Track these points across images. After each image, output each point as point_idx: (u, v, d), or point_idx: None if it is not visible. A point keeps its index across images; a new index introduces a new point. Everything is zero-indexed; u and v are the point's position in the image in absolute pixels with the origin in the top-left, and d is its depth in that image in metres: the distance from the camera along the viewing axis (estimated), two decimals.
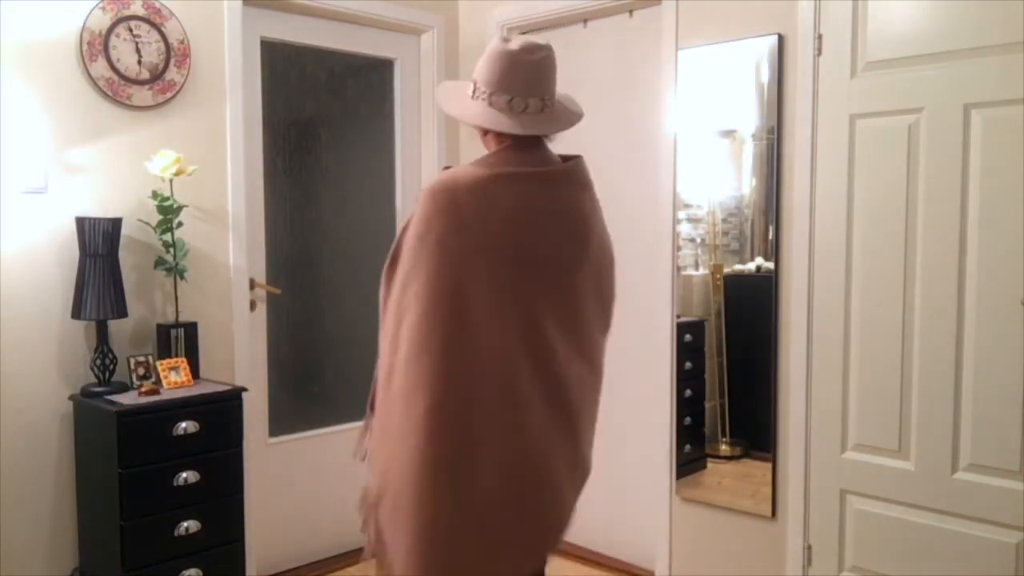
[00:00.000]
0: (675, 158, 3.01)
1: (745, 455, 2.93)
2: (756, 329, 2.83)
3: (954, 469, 2.43)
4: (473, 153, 3.39)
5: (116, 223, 2.58)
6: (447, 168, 1.71)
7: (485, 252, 1.58)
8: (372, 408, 1.71)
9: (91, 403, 2.53)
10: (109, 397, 2.53)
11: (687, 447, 3.06)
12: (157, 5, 2.77)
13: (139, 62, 2.73)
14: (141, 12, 2.73)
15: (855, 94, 2.57)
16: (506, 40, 1.70)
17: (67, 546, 2.65)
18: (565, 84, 3.49)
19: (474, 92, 1.71)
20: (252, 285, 3.18)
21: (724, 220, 2.93)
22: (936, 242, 2.43)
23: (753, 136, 2.83)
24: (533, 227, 1.63)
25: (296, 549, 3.37)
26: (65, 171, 2.62)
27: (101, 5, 2.64)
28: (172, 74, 2.81)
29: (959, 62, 2.36)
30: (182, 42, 2.84)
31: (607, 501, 3.41)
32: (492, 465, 1.58)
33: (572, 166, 1.73)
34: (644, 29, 3.23)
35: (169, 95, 2.82)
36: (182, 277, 2.78)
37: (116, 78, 2.68)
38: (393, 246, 1.68)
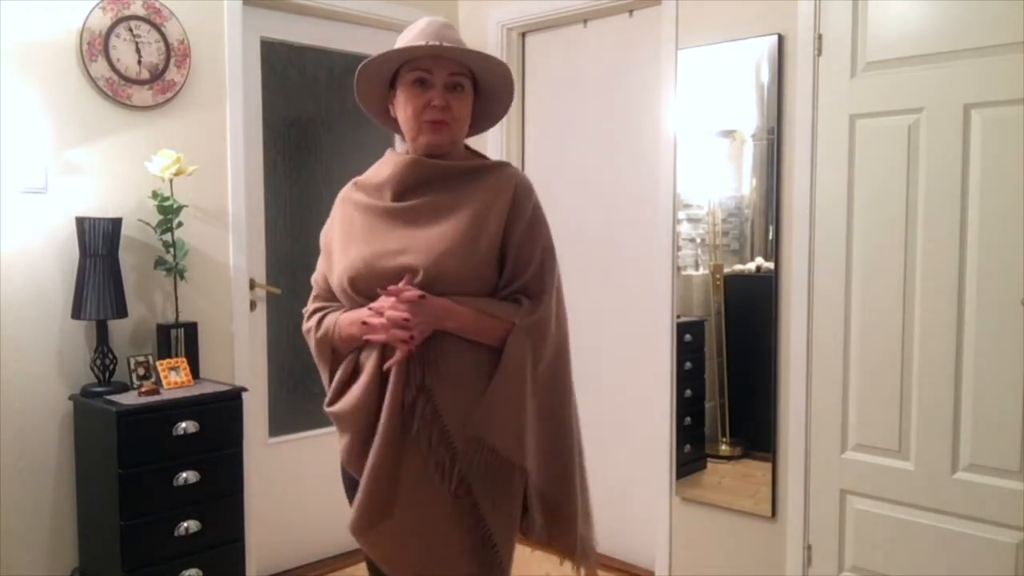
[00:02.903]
0: (675, 158, 3.01)
1: (745, 455, 2.93)
2: (756, 329, 2.83)
3: (954, 469, 2.43)
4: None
5: (116, 223, 2.57)
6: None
7: None
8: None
9: (91, 403, 2.53)
10: (109, 397, 2.52)
11: (687, 447, 3.06)
12: (157, 5, 2.77)
13: (139, 62, 2.73)
14: (141, 12, 2.73)
15: (855, 94, 2.56)
16: None
17: (67, 546, 2.65)
18: (565, 84, 3.52)
19: None
20: (252, 285, 3.17)
21: (724, 220, 2.93)
22: (936, 242, 2.42)
23: (753, 136, 2.83)
24: None
25: (296, 549, 3.37)
26: (65, 171, 2.62)
27: (101, 5, 2.64)
28: (172, 74, 2.81)
29: (959, 62, 2.36)
30: (182, 42, 2.83)
31: (607, 501, 3.40)
32: None
33: None
34: (644, 29, 3.23)
35: (169, 95, 2.82)
36: (182, 277, 2.78)
37: (116, 78, 2.68)
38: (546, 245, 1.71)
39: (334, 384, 1.70)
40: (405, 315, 1.54)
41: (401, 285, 1.57)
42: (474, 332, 1.60)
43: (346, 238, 1.70)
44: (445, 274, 1.59)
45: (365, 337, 1.61)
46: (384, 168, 1.72)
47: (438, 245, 1.60)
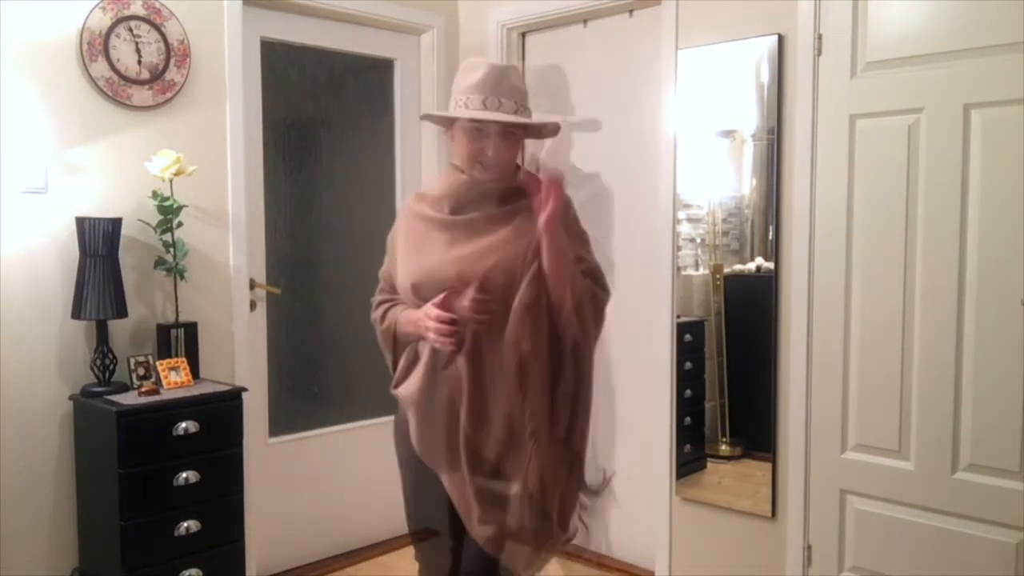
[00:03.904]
0: (675, 158, 3.01)
1: (745, 455, 2.93)
2: (756, 329, 2.83)
3: (954, 469, 2.43)
4: None
5: (116, 223, 2.58)
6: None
7: None
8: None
9: (91, 403, 2.53)
10: (109, 397, 2.52)
11: (687, 447, 3.06)
12: (157, 5, 2.77)
13: (139, 62, 2.73)
14: (141, 12, 2.73)
15: (855, 94, 2.56)
16: None
17: (67, 546, 2.65)
18: (565, 84, 3.51)
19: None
20: (252, 285, 3.17)
21: (724, 220, 2.93)
22: (936, 242, 2.42)
23: (753, 136, 2.83)
24: None
25: (296, 549, 3.37)
26: (65, 171, 2.62)
27: (101, 5, 2.64)
28: (172, 74, 2.81)
29: (959, 62, 2.36)
30: (182, 42, 2.84)
31: (607, 500, 3.41)
32: None
33: None
34: (644, 29, 3.23)
35: (169, 95, 2.82)
36: (182, 277, 2.78)
37: (116, 78, 2.68)
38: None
39: (399, 370, 2.02)
40: (448, 329, 1.84)
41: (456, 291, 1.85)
42: (560, 264, 1.87)
43: (409, 246, 1.99)
44: (495, 286, 1.85)
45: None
46: (443, 183, 2.00)
47: (489, 258, 1.87)
